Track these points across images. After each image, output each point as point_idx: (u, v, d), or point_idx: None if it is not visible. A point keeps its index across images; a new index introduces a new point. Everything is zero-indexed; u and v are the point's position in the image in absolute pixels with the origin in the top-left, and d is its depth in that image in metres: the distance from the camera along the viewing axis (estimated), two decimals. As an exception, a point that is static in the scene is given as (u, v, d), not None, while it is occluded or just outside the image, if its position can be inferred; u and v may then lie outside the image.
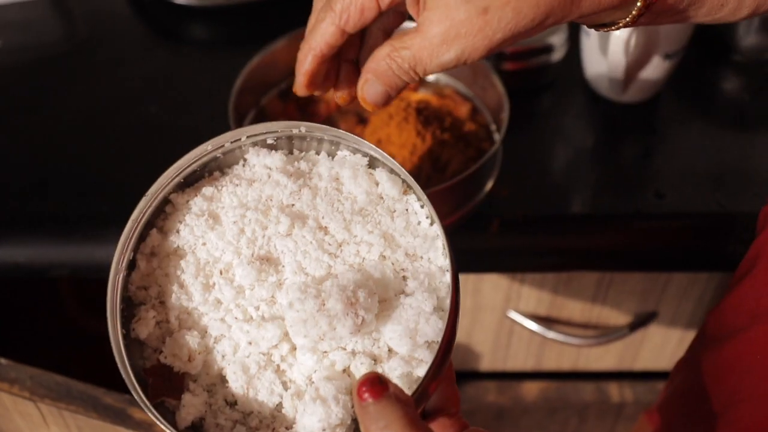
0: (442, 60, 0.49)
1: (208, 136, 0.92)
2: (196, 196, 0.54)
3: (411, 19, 0.54)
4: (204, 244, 0.52)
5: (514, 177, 0.88)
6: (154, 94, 0.98)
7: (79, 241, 0.84)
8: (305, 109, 0.93)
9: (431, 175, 0.86)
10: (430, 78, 0.96)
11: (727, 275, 0.94)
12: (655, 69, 0.92)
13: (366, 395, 0.43)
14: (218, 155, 0.56)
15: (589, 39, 0.94)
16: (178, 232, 0.53)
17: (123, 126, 0.94)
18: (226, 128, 0.92)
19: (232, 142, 0.56)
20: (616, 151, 0.94)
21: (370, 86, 0.52)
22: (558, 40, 0.96)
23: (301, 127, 0.55)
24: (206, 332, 0.51)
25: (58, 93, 0.99)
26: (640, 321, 1.00)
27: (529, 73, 0.98)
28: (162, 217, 0.55)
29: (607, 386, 1.09)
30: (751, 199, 0.88)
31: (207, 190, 0.54)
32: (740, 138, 0.95)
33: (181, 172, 0.55)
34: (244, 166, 0.56)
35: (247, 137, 0.55)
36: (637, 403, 1.09)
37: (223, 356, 0.51)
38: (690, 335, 1.03)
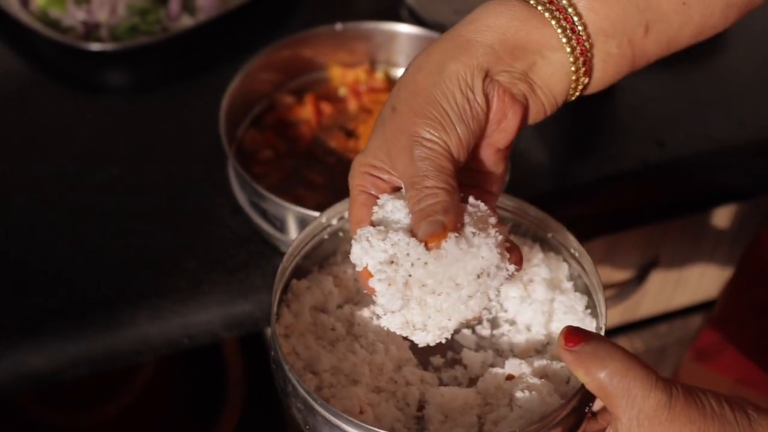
0: None
1: (188, 184, 0.83)
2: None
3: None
4: None
5: (513, 155, 0.86)
6: (107, 154, 0.87)
7: (90, 332, 0.74)
8: (285, 134, 0.86)
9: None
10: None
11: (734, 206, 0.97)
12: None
13: (571, 343, 0.46)
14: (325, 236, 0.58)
15: None
16: None
17: (88, 195, 0.83)
18: (205, 170, 0.84)
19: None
20: (596, 111, 0.93)
21: None
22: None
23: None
24: None
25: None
26: (644, 271, 1.01)
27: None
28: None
29: (617, 342, 1.09)
30: (738, 127, 0.91)
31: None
32: (709, 68, 0.97)
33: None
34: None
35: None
36: (647, 351, 1.10)
37: None
38: (688, 274, 1.05)
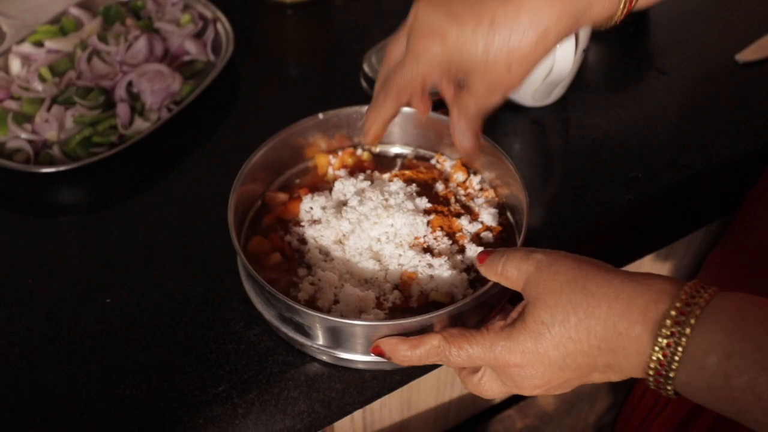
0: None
1: (190, 303, 0.80)
2: None
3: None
4: None
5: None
6: (93, 282, 0.82)
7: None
8: (287, 233, 0.83)
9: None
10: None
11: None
12: (575, 66, 0.95)
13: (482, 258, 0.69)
14: None
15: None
16: None
17: (87, 334, 0.78)
18: (205, 285, 0.80)
19: None
20: (565, 151, 0.96)
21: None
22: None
23: None
24: None
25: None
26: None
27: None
28: None
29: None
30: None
31: None
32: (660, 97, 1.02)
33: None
34: None
35: None
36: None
37: None
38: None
